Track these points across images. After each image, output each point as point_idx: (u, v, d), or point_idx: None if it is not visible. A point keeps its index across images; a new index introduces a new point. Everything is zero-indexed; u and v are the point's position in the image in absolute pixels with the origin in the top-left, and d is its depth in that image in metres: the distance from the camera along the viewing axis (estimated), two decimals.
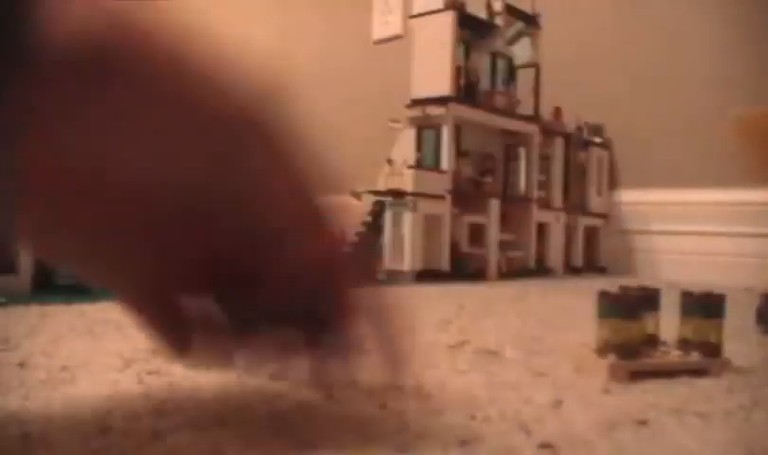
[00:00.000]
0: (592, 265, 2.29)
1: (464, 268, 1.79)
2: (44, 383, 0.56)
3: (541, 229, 2.09)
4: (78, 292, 1.15)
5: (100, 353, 0.67)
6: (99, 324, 0.86)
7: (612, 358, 0.63)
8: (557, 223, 2.13)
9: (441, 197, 1.74)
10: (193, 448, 0.41)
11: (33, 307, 0.99)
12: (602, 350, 0.65)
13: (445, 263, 1.74)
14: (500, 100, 1.94)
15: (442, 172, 1.76)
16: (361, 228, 1.88)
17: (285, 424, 0.47)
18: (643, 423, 0.50)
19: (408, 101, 1.83)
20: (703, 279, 1.94)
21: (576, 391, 0.59)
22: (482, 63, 1.93)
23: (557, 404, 0.54)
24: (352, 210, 1.93)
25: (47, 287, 1.14)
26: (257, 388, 0.57)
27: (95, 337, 0.73)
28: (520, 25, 2.01)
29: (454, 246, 1.78)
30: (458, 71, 1.85)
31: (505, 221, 1.96)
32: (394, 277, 1.68)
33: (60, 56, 0.31)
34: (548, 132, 2.13)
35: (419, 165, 1.77)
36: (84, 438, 0.42)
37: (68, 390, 0.54)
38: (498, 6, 1.98)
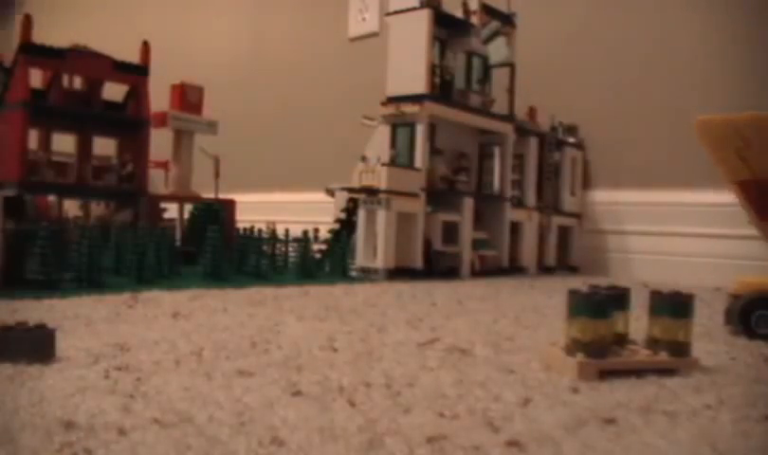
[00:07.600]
0: (564, 265, 2.30)
1: (437, 266, 1.79)
2: (10, 378, 0.55)
3: (515, 228, 2.10)
4: (47, 287, 1.14)
5: (68, 348, 0.67)
6: (68, 319, 0.85)
7: (581, 357, 0.64)
8: (530, 222, 2.14)
9: (415, 195, 1.74)
10: (159, 445, 0.41)
11: (2, 302, 0.97)
12: (571, 348, 0.65)
13: (418, 261, 1.75)
14: (474, 99, 1.94)
15: (416, 169, 1.76)
16: (335, 225, 1.88)
17: (251, 420, 0.47)
18: (611, 421, 0.50)
19: (383, 99, 1.83)
20: (674, 279, 1.96)
21: (545, 390, 0.59)
22: (457, 61, 1.93)
23: (526, 402, 0.54)
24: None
25: (17, 282, 1.13)
26: (223, 384, 0.57)
27: (64, 333, 0.72)
28: (495, 24, 2.01)
29: (427, 244, 1.78)
30: (433, 69, 1.85)
31: (479, 219, 1.97)
32: (367, 274, 1.67)
33: None
34: (522, 131, 2.14)
35: (393, 162, 1.77)
36: (48, 433, 0.42)
37: (35, 384, 0.53)
38: (474, 4, 1.98)
